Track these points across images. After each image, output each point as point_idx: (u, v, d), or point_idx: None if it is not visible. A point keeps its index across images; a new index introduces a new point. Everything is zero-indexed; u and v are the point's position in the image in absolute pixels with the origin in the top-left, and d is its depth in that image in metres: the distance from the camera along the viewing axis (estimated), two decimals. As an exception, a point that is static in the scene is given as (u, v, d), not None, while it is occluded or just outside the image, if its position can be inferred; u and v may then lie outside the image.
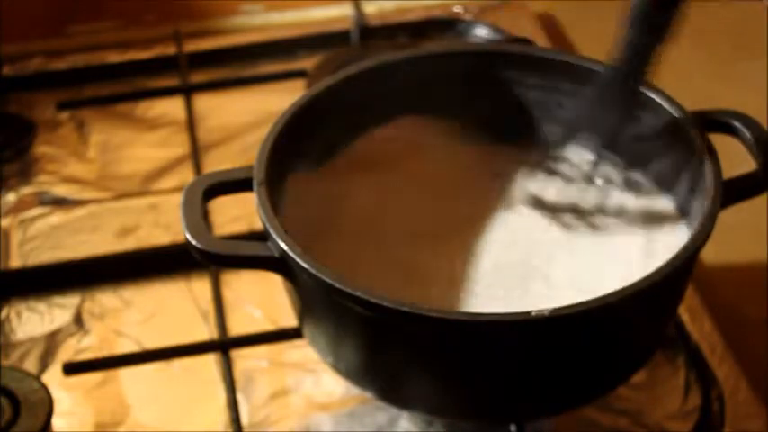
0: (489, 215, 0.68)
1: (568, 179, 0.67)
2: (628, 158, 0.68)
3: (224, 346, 0.74)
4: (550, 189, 0.68)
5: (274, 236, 0.59)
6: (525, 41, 0.92)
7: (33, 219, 0.85)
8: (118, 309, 0.78)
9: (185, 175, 0.87)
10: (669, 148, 0.66)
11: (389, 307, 0.56)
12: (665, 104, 0.65)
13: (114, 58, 1.00)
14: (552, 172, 0.68)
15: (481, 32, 1.01)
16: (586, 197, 0.66)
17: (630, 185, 0.67)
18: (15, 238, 0.83)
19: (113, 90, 0.97)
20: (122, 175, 0.89)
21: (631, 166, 0.68)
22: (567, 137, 0.68)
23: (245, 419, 0.69)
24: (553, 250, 0.65)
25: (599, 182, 0.67)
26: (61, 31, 1.03)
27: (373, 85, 0.70)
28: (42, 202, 0.86)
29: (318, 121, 0.68)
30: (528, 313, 0.55)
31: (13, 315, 0.77)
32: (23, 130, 0.93)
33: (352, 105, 0.69)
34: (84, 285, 0.79)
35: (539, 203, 0.67)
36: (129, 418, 0.71)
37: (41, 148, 0.91)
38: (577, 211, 0.66)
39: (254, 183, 0.62)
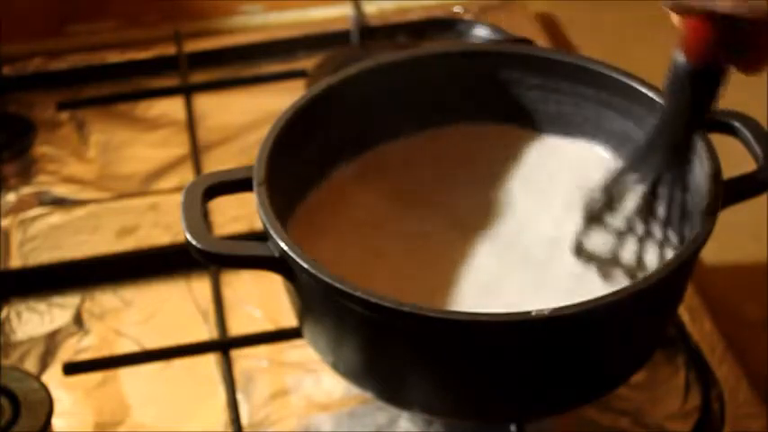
0: (489, 216, 0.68)
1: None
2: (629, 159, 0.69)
3: (224, 346, 0.73)
4: (593, 238, 0.64)
5: (274, 236, 0.59)
6: (525, 41, 0.92)
7: (33, 219, 0.85)
8: (118, 309, 0.78)
9: (185, 175, 0.87)
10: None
11: (389, 307, 0.55)
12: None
13: (114, 58, 1.00)
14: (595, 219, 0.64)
15: (481, 32, 1.01)
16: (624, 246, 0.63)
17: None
18: (15, 238, 0.83)
19: (113, 90, 0.97)
20: (122, 175, 0.89)
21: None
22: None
23: (245, 419, 0.69)
24: (551, 253, 0.65)
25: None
26: (61, 31, 1.03)
27: (373, 86, 0.70)
28: (42, 202, 0.86)
29: (318, 120, 0.68)
30: (528, 313, 0.55)
31: (13, 315, 0.77)
32: (23, 130, 0.93)
33: (352, 105, 0.69)
34: (84, 285, 0.79)
35: (583, 252, 0.64)
36: (129, 418, 0.71)
37: (41, 148, 0.91)
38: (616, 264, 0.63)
39: (254, 183, 0.62)
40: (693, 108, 0.59)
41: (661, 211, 0.62)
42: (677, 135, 0.60)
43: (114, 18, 1.04)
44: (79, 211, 0.86)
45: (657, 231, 0.62)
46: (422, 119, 0.72)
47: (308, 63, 0.96)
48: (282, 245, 0.59)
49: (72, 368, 0.73)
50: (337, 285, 0.56)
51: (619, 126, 0.69)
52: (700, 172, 0.62)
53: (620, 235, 0.63)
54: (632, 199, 0.63)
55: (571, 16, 1.04)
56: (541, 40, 0.97)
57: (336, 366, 0.63)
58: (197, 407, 0.71)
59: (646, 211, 0.62)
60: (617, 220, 0.63)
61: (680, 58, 0.57)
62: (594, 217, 0.63)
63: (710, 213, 0.59)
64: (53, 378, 0.72)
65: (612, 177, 0.63)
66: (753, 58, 0.57)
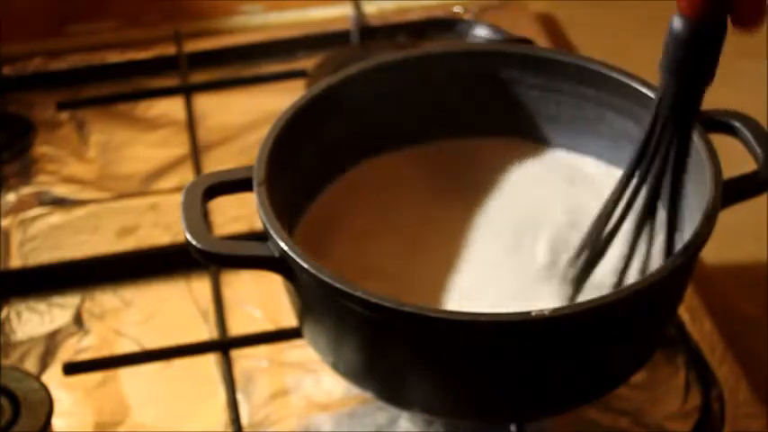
0: (487, 216, 0.68)
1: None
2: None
3: (224, 346, 0.74)
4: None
5: (274, 236, 0.59)
6: (525, 41, 0.92)
7: (33, 219, 0.85)
8: (118, 309, 0.78)
9: (185, 175, 0.87)
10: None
11: (389, 307, 0.56)
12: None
13: (114, 58, 1.00)
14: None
15: (481, 32, 1.01)
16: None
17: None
18: (15, 238, 0.83)
19: (113, 90, 0.97)
20: (122, 175, 0.89)
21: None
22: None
23: (245, 419, 0.69)
24: (551, 258, 0.65)
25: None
26: (61, 31, 1.03)
27: (373, 86, 0.70)
28: (42, 202, 0.86)
29: (318, 120, 0.68)
30: (528, 313, 0.55)
31: (13, 315, 0.77)
32: (23, 130, 0.93)
33: (352, 105, 0.69)
34: (84, 285, 0.79)
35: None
36: (129, 418, 0.71)
37: (41, 148, 0.91)
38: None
39: (254, 183, 0.62)
40: (701, 73, 0.56)
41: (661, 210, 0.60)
42: (684, 112, 0.57)
43: (114, 18, 1.04)
44: (79, 211, 0.86)
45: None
46: (422, 119, 0.72)
47: (308, 63, 0.96)
48: (282, 245, 0.59)
49: (72, 368, 0.73)
50: (337, 285, 0.56)
51: (619, 126, 0.69)
52: (699, 172, 0.62)
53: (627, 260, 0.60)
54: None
55: (571, 16, 1.04)
56: (541, 40, 0.97)
57: (336, 366, 0.63)
58: (197, 407, 0.71)
59: (646, 219, 0.60)
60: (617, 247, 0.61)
61: (677, 21, 0.54)
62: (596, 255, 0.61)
63: (710, 213, 0.59)
64: (53, 378, 0.72)
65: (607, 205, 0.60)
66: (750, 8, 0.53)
